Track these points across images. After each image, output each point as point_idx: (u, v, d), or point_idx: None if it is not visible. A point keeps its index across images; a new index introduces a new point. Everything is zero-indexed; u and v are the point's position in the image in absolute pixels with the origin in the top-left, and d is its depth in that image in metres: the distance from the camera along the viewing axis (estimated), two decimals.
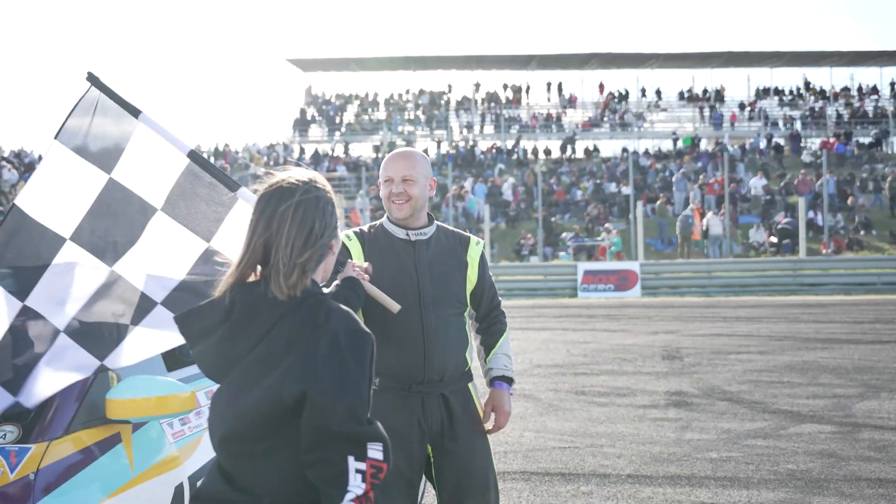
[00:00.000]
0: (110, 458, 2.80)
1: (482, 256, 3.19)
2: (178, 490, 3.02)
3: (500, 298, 3.30)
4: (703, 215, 24.84)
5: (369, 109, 43.53)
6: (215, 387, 3.41)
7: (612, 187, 31.61)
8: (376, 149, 38.64)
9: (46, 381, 2.77)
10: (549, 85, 44.80)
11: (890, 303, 17.13)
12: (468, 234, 3.26)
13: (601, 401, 7.65)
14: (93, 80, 2.96)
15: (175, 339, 2.84)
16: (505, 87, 44.09)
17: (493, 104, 43.15)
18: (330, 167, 34.96)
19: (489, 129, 41.65)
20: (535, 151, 38.03)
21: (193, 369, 3.41)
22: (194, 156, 2.96)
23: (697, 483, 5.22)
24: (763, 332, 12.50)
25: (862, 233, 26.15)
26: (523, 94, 44.18)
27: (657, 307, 17.45)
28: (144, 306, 2.89)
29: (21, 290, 2.86)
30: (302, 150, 39.20)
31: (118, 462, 2.82)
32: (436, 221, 3.16)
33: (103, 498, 2.70)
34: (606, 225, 25.36)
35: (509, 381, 3.18)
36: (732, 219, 25.45)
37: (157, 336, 2.86)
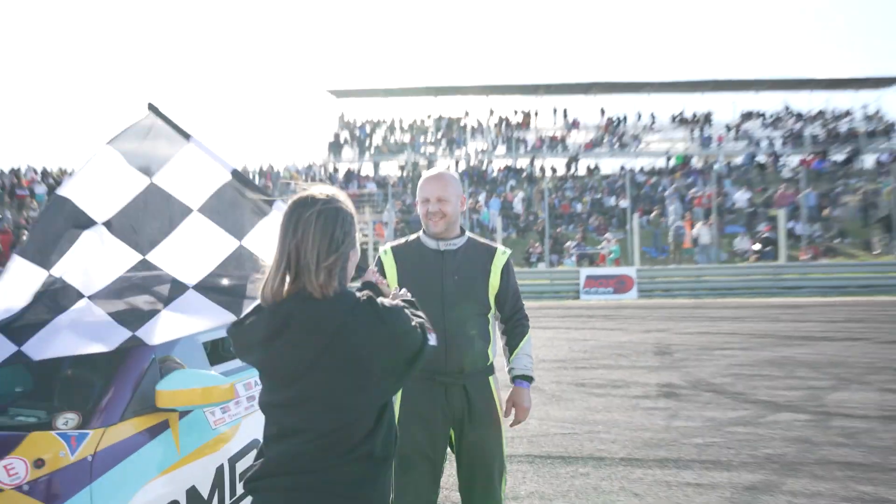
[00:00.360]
0: (159, 442, 2.84)
1: (506, 265, 3.20)
2: (220, 470, 3.06)
3: (523, 303, 3.31)
4: (692, 226, 24.69)
5: (395, 133, 43.66)
6: (252, 379, 3.48)
7: (612, 201, 31.45)
8: (401, 168, 38.74)
9: (64, 342, 2.78)
10: (555, 110, 44.69)
11: (861, 304, 16.90)
12: (497, 245, 3.27)
13: (598, 392, 7.61)
14: (153, 109, 3.02)
15: (203, 323, 2.89)
16: (515, 112, 44.07)
17: (504, 127, 43.13)
18: (360, 185, 35.06)
19: (501, 149, 41.60)
20: (542, 169, 37.95)
21: (234, 364, 3.45)
22: (237, 174, 3.00)
23: (684, 465, 5.18)
24: (746, 330, 12.36)
25: (837, 241, 25.85)
26: (532, 117, 44.14)
27: (651, 308, 17.31)
28: (176, 290, 2.90)
29: (47, 260, 2.86)
30: (335, 170, 39.34)
31: (166, 446, 2.85)
32: (468, 234, 3.21)
33: (154, 476, 2.74)
34: (606, 235, 25.28)
35: (529, 379, 3.23)
36: (719, 229, 25.23)
37: (187, 319, 2.87)
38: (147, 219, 2.96)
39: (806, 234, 24.09)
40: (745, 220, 27.67)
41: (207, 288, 2.93)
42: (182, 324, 2.89)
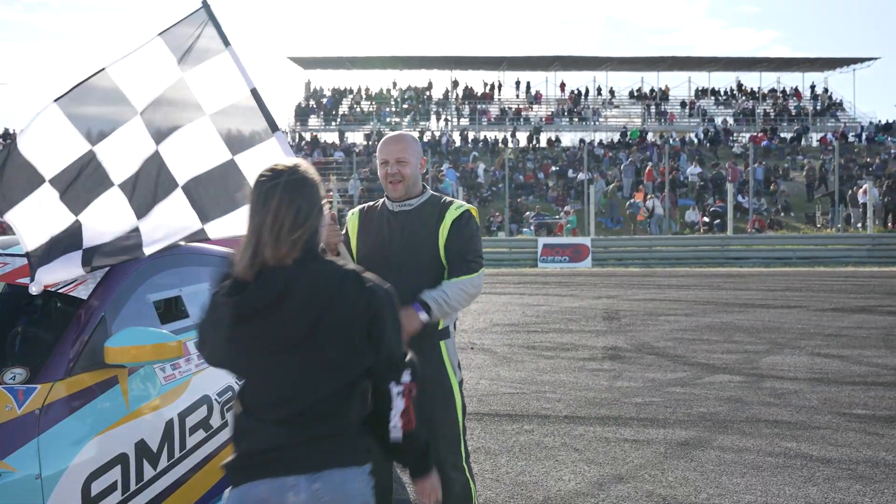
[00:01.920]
0: (108, 398, 2.82)
1: (457, 219, 2.91)
2: (169, 424, 3.04)
3: (477, 263, 2.90)
4: (645, 198, 25.02)
5: (361, 103, 43.19)
6: None
7: (570, 173, 31.63)
8: (367, 137, 38.42)
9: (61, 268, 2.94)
10: (517, 83, 44.65)
11: (801, 274, 17.34)
12: (456, 201, 3.02)
13: (548, 354, 7.73)
14: (206, 7, 3.05)
15: (178, 233, 3.04)
16: (480, 85, 43.92)
17: (468, 100, 42.94)
18: (328, 152, 34.75)
19: (465, 121, 41.45)
20: (504, 141, 37.96)
21: (184, 322, 3.43)
22: (255, 93, 3.00)
23: (623, 423, 5.32)
24: (690, 297, 12.60)
25: (782, 215, 26.41)
26: (495, 91, 44.01)
27: (603, 276, 17.54)
28: (167, 187, 3.00)
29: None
30: (301, 137, 38.85)
31: (115, 401, 2.83)
32: (430, 193, 3.03)
33: (101, 430, 2.72)
34: (566, 207, 25.49)
35: (424, 305, 2.77)
36: (672, 202, 25.59)
37: (169, 226, 3.00)
38: (167, 110, 3.04)
39: (753, 208, 24.54)
40: (696, 194, 28.12)
41: (191, 191, 3.00)
42: (163, 232, 3.01)
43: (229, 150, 2.99)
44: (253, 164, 2.86)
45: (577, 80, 58.38)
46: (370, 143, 36.60)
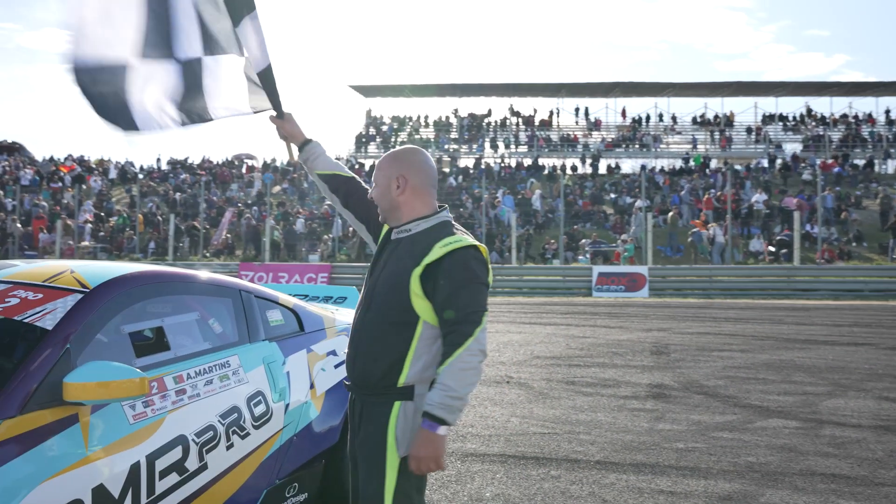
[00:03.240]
0: (64, 437, 2.58)
1: (439, 262, 2.35)
2: (134, 467, 2.78)
3: (472, 322, 2.31)
4: (707, 226, 24.16)
5: (420, 130, 43.43)
6: (185, 372, 3.22)
7: (629, 200, 30.88)
8: None
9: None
10: (577, 110, 44.22)
11: (871, 308, 16.29)
12: (454, 236, 2.42)
13: (587, 391, 7.27)
14: None
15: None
16: (536, 111, 43.63)
17: (526, 126, 42.69)
18: None
19: (523, 148, 41.17)
20: (562, 168, 37.46)
21: (164, 355, 3.19)
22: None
23: (660, 471, 4.85)
24: (748, 332, 11.87)
25: (854, 244, 25.09)
26: (554, 117, 43.67)
27: (657, 307, 16.85)
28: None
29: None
30: (361, 165, 39.21)
31: (72, 441, 2.60)
32: (442, 219, 2.51)
33: (53, 474, 2.49)
34: (623, 236, 24.84)
35: (433, 418, 2.26)
36: (735, 230, 24.64)
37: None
38: None
39: (822, 237, 23.39)
40: (761, 222, 27.01)
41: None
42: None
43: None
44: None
45: (638, 106, 57.32)
46: None
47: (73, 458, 2.58)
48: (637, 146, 41.03)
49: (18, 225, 27.17)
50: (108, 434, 2.75)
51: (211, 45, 3.17)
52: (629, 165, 39.81)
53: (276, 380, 3.61)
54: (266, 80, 3.09)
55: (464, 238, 2.42)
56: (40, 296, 2.96)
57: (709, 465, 4.98)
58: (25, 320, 2.85)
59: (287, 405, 3.62)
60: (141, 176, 35.33)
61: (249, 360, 3.53)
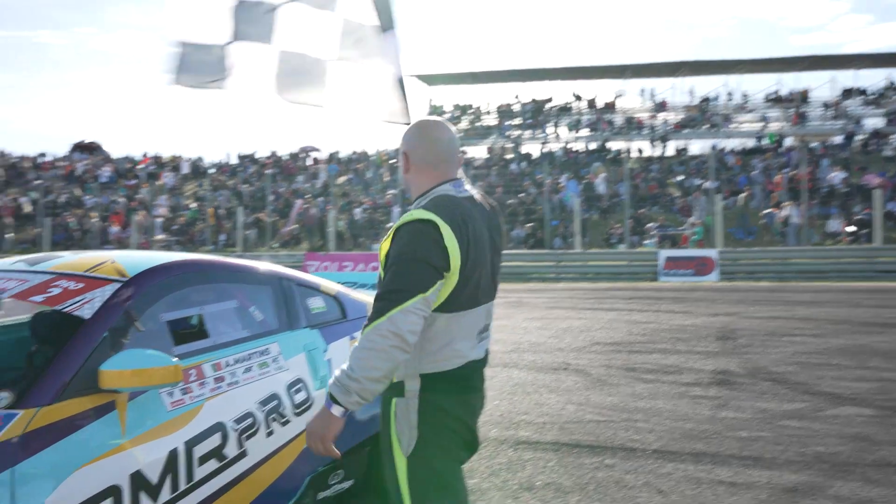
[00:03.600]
0: (102, 424, 2.61)
1: (391, 238, 2.20)
2: (172, 454, 2.79)
3: (383, 303, 2.09)
4: (779, 207, 23.22)
5: (482, 117, 43.18)
6: (223, 360, 3.22)
7: (697, 182, 29.97)
8: (488, 150, 38.26)
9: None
10: (642, 91, 43.19)
11: None
12: (413, 211, 2.22)
13: (647, 377, 7.04)
14: None
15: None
16: (599, 94, 42.85)
17: (590, 109, 41.92)
18: None
19: (586, 131, 40.45)
20: (628, 151, 36.65)
21: (202, 344, 3.20)
22: None
23: (721, 461, 4.64)
24: (822, 315, 11.27)
25: None
26: (618, 100, 42.73)
27: (725, 291, 16.25)
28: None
29: None
30: None
31: (109, 428, 2.62)
32: (429, 199, 2.28)
33: (90, 460, 2.52)
34: (691, 218, 24.13)
35: (330, 396, 2.12)
36: (811, 210, 23.61)
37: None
38: None
39: None
40: (840, 202, 25.79)
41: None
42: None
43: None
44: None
45: (707, 85, 55.50)
46: (491, 156, 36.49)
47: (110, 445, 2.60)
48: (706, 126, 39.73)
49: (93, 221, 28.30)
50: (146, 421, 2.76)
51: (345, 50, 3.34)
52: (698, 146, 38.68)
53: (317, 367, 3.58)
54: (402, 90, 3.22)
55: (418, 211, 2.18)
56: (81, 285, 2.99)
57: (774, 455, 4.74)
58: (66, 310, 2.89)
59: None
60: (212, 171, 36.29)
61: (290, 347, 3.51)
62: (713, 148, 35.44)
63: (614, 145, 37.73)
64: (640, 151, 37.26)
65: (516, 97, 43.64)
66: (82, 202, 31.11)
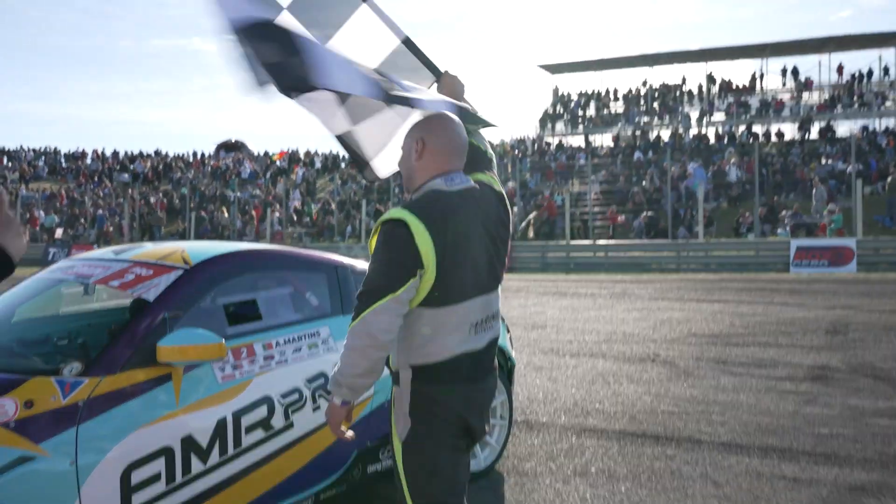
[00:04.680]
0: (158, 393, 2.99)
1: (375, 237, 2.28)
2: (221, 422, 3.14)
3: (361, 302, 2.20)
4: None
5: (609, 104, 42.28)
6: (273, 340, 3.55)
7: (841, 166, 27.92)
8: (614, 139, 37.45)
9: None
10: (783, 71, 40.60)
11: None
12: (391, 210, 2.29)
13: (737, 370, 6.82)
14: None
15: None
16: (740, 76, 40.64)
17: (725, 93, 39.95)
18: (570, 155, 34.54)
19: (721, 116, 38.63)
20: (766, 135, 34.68)
21: (255, 325, 3.54)
22: (408, 42, 2.84)
23: (790, 457, 4.51)
24: None
25: None
26: (757, 81, 40.43)
27: (859, 283, 15.15)
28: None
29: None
30: (548, 144, 39.03)
31: (165, 396, 3.00)
32: (424, 192, 2.35)
33: (147, 423, 2.91)
34: (830, 205, 22.56)
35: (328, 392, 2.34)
36: None
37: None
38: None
39: None
40: None
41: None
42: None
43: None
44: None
45: (857, 61, 51.21)
46: (617, 144, 35.71)
47: (165, 411, 2.98)
48: (856, 106, 36.85)
49: (226, 215, 30.34)
50: (198, 392, 3.13)
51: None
52: (846, 128, 35.99)
53: None
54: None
55: (394, 210, 2.25)
56: (151, 272, 3.42)
57: (850, 452, 4.55)
58: (134, 294, 3.33)
59: None
60: (343, 165, 37.87)
61: (341, 330, 3.78)
62: (863, 129, 32.92)
63: (750, 129, 35.80)
64: (781, 135, 35.18)
65: (644, 82, 42.41)
66: (225, 197, 33.44)
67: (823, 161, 28.97)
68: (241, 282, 3.67)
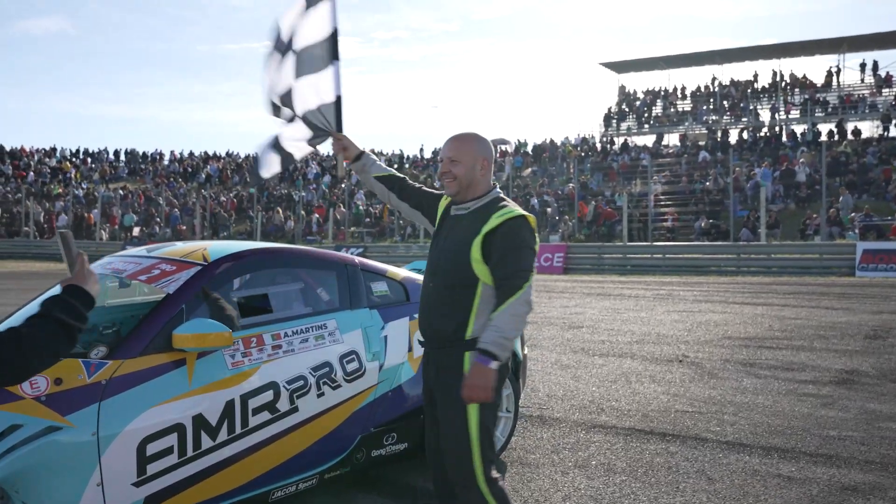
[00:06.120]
0: (173, 375, 3.36)
1: (495, 229, 2.77)
2: (230, 403, 3.49)
3: (521, 277, 2.71)
4: None
5: (676, 103, 41.56)
6: (282, 331, 3.90)
7: None
8: (682, 138, 36.83)
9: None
10: (862, 66, 39.08)
11: None
12: (506, 208, 2.84)
13: (763, 373, 6.85)
14: None
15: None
16: (816, 72, 39.34)
17: (799, 89, 38.73)
18: (634, 156, 34.19)
19: (795, 113, 37.49)
20: (841, 132, 33.47)
21: (265, 317, 3.90)
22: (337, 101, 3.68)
23: (791, 457, 4.60)
24: None
25: None
26: (833, 77, 39.04)
27: None
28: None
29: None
30: (612, 142, 38.70)
31: (179, 378, 3.37)
32: (495, 195, 2.93)
33: (161, 402, 3.28)
34: None
35: (489, 355, 2.65)
36: None
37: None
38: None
39: None
40: None
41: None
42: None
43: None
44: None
45: None
46: (684, 144, 35.12)
47: (179, 391, 3.35)
48: None
49: (278, 213, 31.24)
50: (210, 375, 3.50)
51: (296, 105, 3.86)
52: None
53: (371, 342, 4.15)
54: (338, 108, 3.70)
55: (515, 209, 2.84)
56: (174, 268, 3.81)
57: (853, 454, 4.61)
58: (157, 286, 3.73)
59: (381, 365, 4.15)
60: (406, 165, 38.52)
61: (347, 324, 4.11)
62: None
63: (825, 128, 34.65)
64: (858, 133, 33.92)
65: (713, 79, 41.53)
66: (292, 197, 34.50)
67: None
68: (255, 277, 4.05)
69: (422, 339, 3.04)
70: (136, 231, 32.07)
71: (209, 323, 3.43)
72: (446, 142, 3.03)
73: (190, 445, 3.35)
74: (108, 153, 45.76)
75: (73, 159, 44.21)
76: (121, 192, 37.11)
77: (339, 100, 3.67)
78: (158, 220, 33.18)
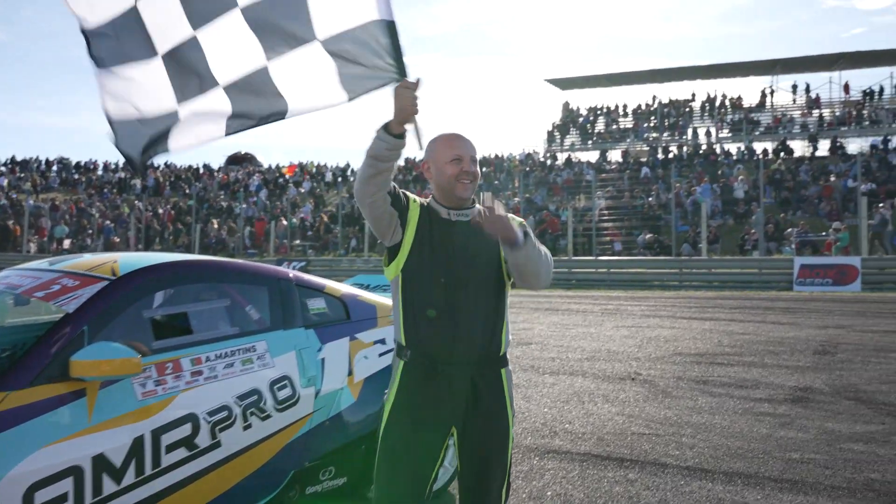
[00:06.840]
0: (70, 409, 2.87)
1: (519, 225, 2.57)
2: (138, 440, 3.02)
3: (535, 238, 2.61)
4: None
5: (618, 120, 42.14)
6: (203, 355, 3.42)
7: (851, 184, 27.57)
8: (623, 154, 37.27)
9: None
10: (794, 87, 40.34)
11: None
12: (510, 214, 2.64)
13: (717, 391, 6.63)
14: None
15: (213, 130, 3.34)
16: (749, 93, 40.45)
17: (734, 109, 39.74)
18: (577, 171, 34.40)
19: (727, 132, 38.41)
20: (775, 151, 34.38)
21: (184, 339, 3.42)
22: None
23: (754, 483, 4.32)
24: None
25: None
26: (767, 97, 40.19)
27: (860, 302, 14.87)
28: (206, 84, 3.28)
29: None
30: (555, 157, 38.91)
31: (77, 412, 2.88)
32: (477, 204, 2.66)
33: (54, 441, 2.78)
34: (835, 224, 22.28)
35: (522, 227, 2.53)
36: None
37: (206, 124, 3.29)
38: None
39: None
40: None
41: (233, 91, 3.19)
42: (200, 129, 3.24)
43: (264, 54, 3.12)
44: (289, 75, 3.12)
45: (869, 78, 50.78)
46: (626, 160, 35.54)
47: (75, 428, 2.85)
48: (866, 123, 36.53)
49: (215, 226, 30.35)
50: (114, 408, 3.00)
51: (276, 47, 3.17)
52: (857, 145, 35.64)
53: (306, 366, 3.71)
54: (393, 37, 2.94)
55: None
56: (77, 283, 3.30)
57: (818, 479, 4.36)
58: (56, 304, 3.22)
59: (318, 391, 3.71)
60: (351, 178, 37.90)
61: (279, 345, 3.66)
62: (872, 147, 32.56)
63: (759, 146, 35.57)
64: (791, 152, 34.87)
65: (654, 97, 42.28)
66: (232, 210, 33.52)
67: (832, 178, 28.64)
68: (172, 294, 3.56)
69: (446, 365, 2.55)
70: (66, 243, 30.61)
71: (114, 347, 2.95)
72: (458, 139, 2.62)
73: (89, 491, 2.86)
74: (39, 162, 43.83)
75: (1, 168, 42.18)
76: (51, 202, 35.48)
77: (392, 25, 2.93)
78: (91, 231, 31.78)
